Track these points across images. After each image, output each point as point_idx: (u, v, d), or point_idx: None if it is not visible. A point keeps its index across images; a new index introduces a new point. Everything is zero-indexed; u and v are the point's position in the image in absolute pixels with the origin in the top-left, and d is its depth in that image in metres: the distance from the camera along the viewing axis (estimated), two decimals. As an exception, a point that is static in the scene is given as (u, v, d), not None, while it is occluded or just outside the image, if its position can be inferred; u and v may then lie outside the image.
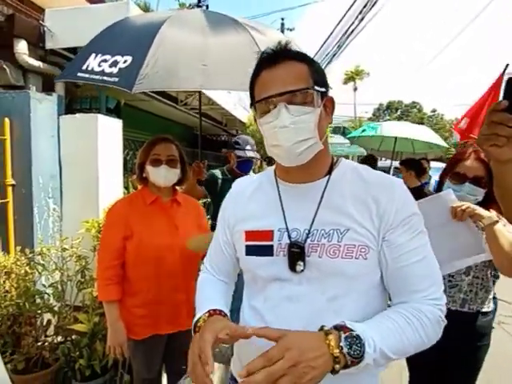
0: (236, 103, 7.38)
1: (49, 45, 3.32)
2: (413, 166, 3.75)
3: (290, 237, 0.85)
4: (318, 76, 0.84)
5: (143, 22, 1.96)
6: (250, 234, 0.91)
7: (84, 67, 1.74)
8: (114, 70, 1.69)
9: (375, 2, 6.32)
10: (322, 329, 0.72)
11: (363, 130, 4.44)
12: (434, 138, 4.19)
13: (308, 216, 0.85)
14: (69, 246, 2.49)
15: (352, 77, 36.45)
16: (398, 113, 45.81)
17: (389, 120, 30.82)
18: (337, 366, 0.67)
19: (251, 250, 0.91)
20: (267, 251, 0.87)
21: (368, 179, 0.86)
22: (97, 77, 1.71)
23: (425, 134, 4.20)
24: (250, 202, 0.96)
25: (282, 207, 0.89)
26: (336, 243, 0.81)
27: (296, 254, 0.83)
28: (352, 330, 0.70)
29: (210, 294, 1.00)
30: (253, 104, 0.88)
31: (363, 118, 29.45)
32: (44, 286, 2.45)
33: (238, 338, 0.76)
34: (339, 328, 0.71)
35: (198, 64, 1.71)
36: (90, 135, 2.90)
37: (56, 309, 2.35)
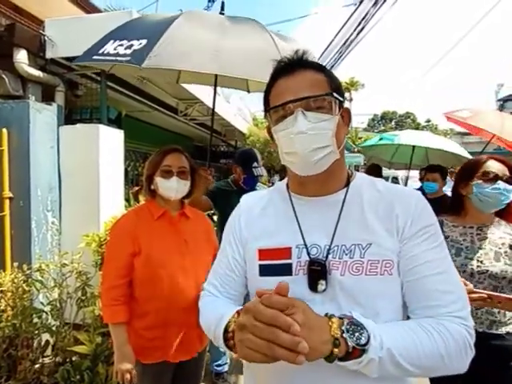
0: (236, 113, 7.37)
1: (49, 54, 3.25)
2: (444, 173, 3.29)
3: (309, 254, 0.79)
4: (335, 85, 0.82)
5: (162, 17, 2.04)
6: (264, 253, 0.84)
7: (100, 51, 1.81)
8: (128, 51, 1.75)
9: (373, 15, 6.39)
10: (326, 315, 0.69)
11: (380, 139, 4.33)
12: (457, 149, 3.79)
13: (327, 231, 0.80)
14: (69, 261, 2.38)
15: (347, 88, 36.98)
16: (393, 123, 46.38)
17: (384, 130, 31.10)
18: (335, 350, 0.64)
19: (266, 270, 0.83)
20: (285, 270, 0.80)
21: (385, 192, 0.83)
22: (110, 58, 1.78)
23: (446, 145, 3.82)
24: (261, 217, 0.90)
25: (297, 222, 0.83)
26: (359, 259, 0.76)
27: (317, 272, 0.77)
28: (355, 319, 0.68)
29: (224, 306, 0.88)
30: (267, 111, 0.84)
31: (359, 128, 29.74)
32: (42, 304, 2.33)
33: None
34: (343, 316, 0.69)
35: (211, 50, 1.75)
36: (91, 146, 2.82)
37: (54, 328, 2.22)
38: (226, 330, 0.76)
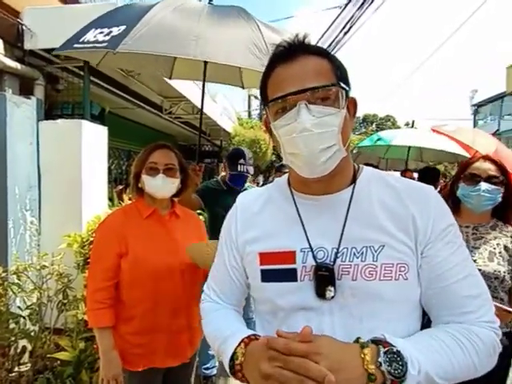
0: (222, 113, 7.30)
1: (28, 45, 3.09)
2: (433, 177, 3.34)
3: (315, 258, 0.73)
4: (342, 73, 0.73)
5: (147, 5, 1.98)
6: (265, 257, 0.78)
7: (81, 40, 1.79)
8: (107, 38, 1.73)
9: (359, 17, 6.47)
10: (357, 341, 0.64)
11: (378, 139, 4.34)
12: (450, 147, 3.78)
13: (334, 232, 0.73)
14: (49, 262, 2.26)
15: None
16: (374, 126, 47.38)
17: (365, 133, 31.65)
18: None
19: (269, 276, 0.77)
20: (289, 276, 0.74)
21: (398, 187, 0.76)
22: (89, 45, 1.76)
23: (439, 144, 3.80)
24: (260, 218, 0.82)
25: (302, 223, 0.76)
26: (372, 263, 0.70)
27: (325, 278, 0.71)
28: (392, 346, 0.62)
29: (228, 322, 0.84)
30: (266, 105, 0.75)
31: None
32: (20, 308, 2.20)
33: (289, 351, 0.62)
34: (377, 342, 0.63)
35: (191, 36, 1.70)
36: (74, 142, 2.69)
37: (33, 334, 2.10)
38: (232, 359, 0.72)
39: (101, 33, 1.77)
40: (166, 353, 1.49)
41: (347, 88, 0.73)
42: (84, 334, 2.03)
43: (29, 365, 2.11)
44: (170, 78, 2.57)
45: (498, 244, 1.45)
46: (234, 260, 0.86)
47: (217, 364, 2.59)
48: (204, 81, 2.24)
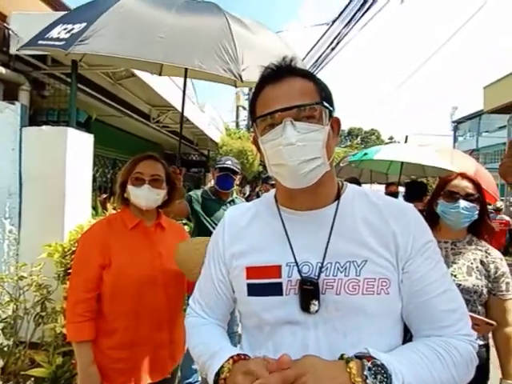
0: (210, 123, 7.31)
1: (14, 50, 3.03)
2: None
3: (300, 272, 0.75)
4: (325, 94, 0.78)
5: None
6: (252, 271, 0.79)
7: (46, 36, 1.67)
8: (67, 35, 1.60)
9: (346, 34, 6.68)
10: (341, 357, 0.65)
11: (365, 154, 4.44)
12: (432, 161, 3.78)
13: (319, 247, 0.76)
14: (27, 273, 2.18)
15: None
16: (358, 139, 48.36)
17: (350, 146, 32.18)
18: None
19: (255, 290, 0.79)
20: (275, 290, 0.76)
21: (380, 204, 0.79)
22: (51, 43, 1.63)
23: (421, 159, 3.79)
24: (247, 233, 0.84)
25: (287, 238, 0.78)
26: (355, 277, 0.72)
27: (309, 292, 0.73)
28: (375, 359, 0.64)
29: (215, 338, 0.85)
30: (254, 121, 0.79)
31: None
32: (-6, 321, 2.10)
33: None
34: (361, 357, 0.65)
35: (155, 35, 1.58)
36: (58, 150, 2.64)
37: (6, 349, 2.00)
38: (217, 374, 0.73)
39: (64, 29, 1.65)
40: (146, 368, 1.45)
41: (331, 108, 0.77)
42: (62, 349, 1.96)
43: (0, 382, 2.01)
44: (159, 75, 2.48)
45: (474, 259, 1.50)
46: (220, 273, 0.87)
47: (199, 379, 2.53)
48: (185, 78, 2.19)
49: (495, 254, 1.51)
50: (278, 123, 0.73)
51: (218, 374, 0.73)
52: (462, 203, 1.49)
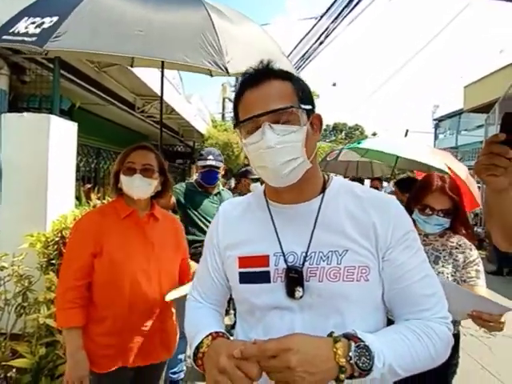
0: (196, 114, 7.23)
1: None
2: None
3: (286, 261, 0.81)
4: (303, 94, 0.82)
5: None
6: (243, 260, 0.86)
7: (11, 30, 1.58)
8: (37, 30, 1.53)
9: (333, 29, 6.71)
10: (330, 335, 0.70)
11: (358, 142, 4.51)
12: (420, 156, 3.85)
13: (304, 238, 0.82)
14: (8, 263, 2.13)
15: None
16: (343, 134, 48.89)
17: (335, 140, 32.50)
18: (342, 376, 0.66)
19: (246, 278, 0.86)
20: (263, 278, 0.83)
21: (362, 196, 0.84)
22: (18, 38, 1.55)
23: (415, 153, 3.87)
24: (239, 225, 0.91)
25: (275, 230, 0.85)
26: (336, 266, 0.78)
27: (294, 280, 0.79)
28: (362, 341, 0.68)
29: (204, 318, 0.93)
30: (237, 125, 0.84)
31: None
32: (-27, 312, 2.05)
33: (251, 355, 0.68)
34: (349, 337, 0.69)
35: (134, 30, 1.55)
36: (40, 138, 2.56)
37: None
38: (197, 347, 0.81)
39: (33, 23, 1.56)
40: (135, 352, 1.47)
41: (308, 107, 0.81)
42: (45, 339, 1.93)
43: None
44: (131, 67, 2.46)
45: (444, 249, 1.59)
46: (215, 263, 0.94)
47: (184, 368, 2.56)
48: (162, 69, 2.19)
49: (465, 244, 1.58)
50: (259, 127, 0.77)
51: (197, 348, 0.81)
52: (435, 219, 1.54)
